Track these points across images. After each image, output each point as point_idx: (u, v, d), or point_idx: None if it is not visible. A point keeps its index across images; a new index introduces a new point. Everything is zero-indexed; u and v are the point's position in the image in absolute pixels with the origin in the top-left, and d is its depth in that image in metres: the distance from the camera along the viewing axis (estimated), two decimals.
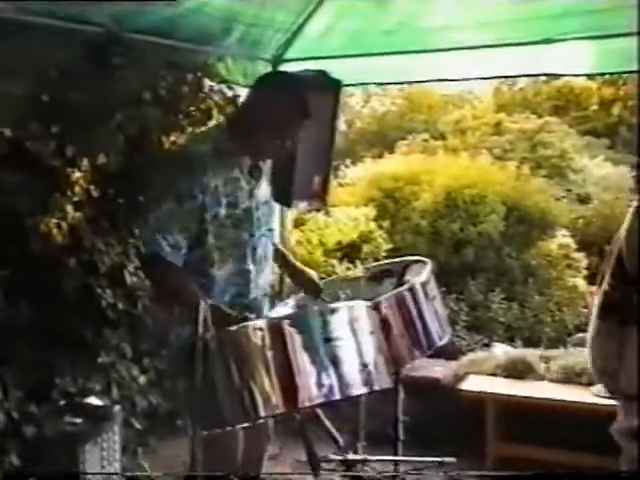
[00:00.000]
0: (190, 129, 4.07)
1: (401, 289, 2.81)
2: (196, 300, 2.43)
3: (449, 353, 4.64)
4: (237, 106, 4.21)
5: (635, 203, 1.74)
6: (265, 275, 2.96)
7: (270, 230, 2.98)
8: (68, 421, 3.41)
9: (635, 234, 1.65)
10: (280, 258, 3.23)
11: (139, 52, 3.67)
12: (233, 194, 2.76)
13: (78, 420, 3.41)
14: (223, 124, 2.90)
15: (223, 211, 2.73)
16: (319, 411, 3.02)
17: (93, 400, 3.64)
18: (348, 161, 8.90)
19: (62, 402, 3.62)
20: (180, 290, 2.69)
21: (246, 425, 2.61)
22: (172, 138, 4.06)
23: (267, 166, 2.95)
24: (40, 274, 3.61)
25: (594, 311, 1.83)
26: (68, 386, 3.72)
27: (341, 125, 11.37)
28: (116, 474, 3.51)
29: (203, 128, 3.88)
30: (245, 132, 2.77)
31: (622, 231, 1.72)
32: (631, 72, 5.14)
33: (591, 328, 1.83)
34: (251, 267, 2.85)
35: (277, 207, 3.08)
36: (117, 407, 3.67)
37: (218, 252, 2.76)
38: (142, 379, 4.14)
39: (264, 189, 2.92)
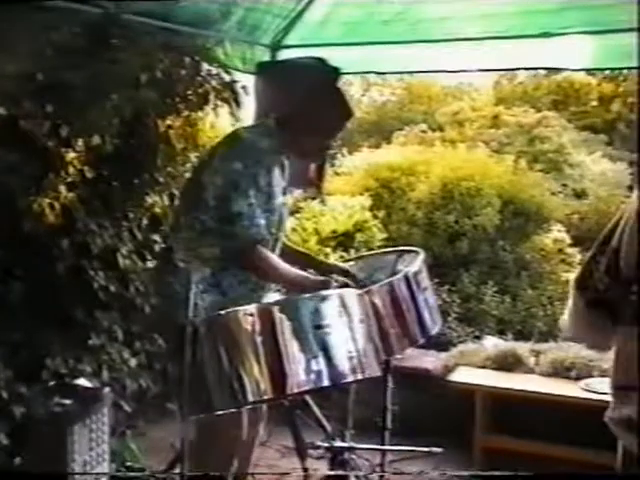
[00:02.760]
0: (186, 113, 4.05)
1: (393, 278, 2.81)
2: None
3: (440, 344, 4.65)
4: (236, 92, 4.19)
5: (634, 200, 1.72)
6: None
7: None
8: (57, 402, 3.41)
9: (635, 235, 1.65)
10: (303, 257, 3.27)
11: (137, 34, 3.66)
12: (275, 187, 2.81)
13: (67, 401, 3.41)
14: (272, 122, 2.92)
15: (275, 201, 2.81)
16: (308, 398, 3.03)
17: (83, 382, 3.64)
18: (345, 150, 8.89)
19: (52, 383, 3.62)
20: (279, 271, 2.79)
21: (245, 410, 2.66)
22: (168, 122, 4.04)
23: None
24: (32, 254, 3.60)
25: (572, 284, 1.85)
26: (58, 367, 3.71)
27: None
28: (105, 474, 3.52)
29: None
30: (293, 133, 2.83)
31: (626, 227, 1.71)
32: (631, 68, 5.14)
33: (571, 304, 1.85)
34: None
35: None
36: (107, 389, 3.67)
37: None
38: (132, 362, 4.14)
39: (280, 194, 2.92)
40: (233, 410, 2.45)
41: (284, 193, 2.90)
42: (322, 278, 2.82)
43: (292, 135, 2.83)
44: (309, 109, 2.81)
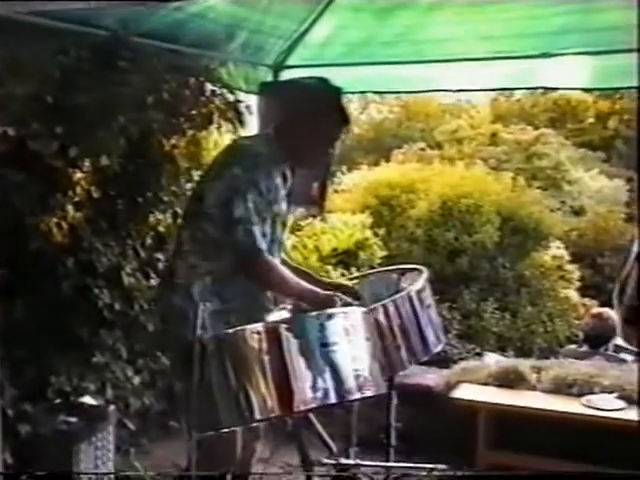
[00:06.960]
0: (191, 132, 4.10)
1: (397, 296, 2.84)
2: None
3: (441, 361, 4.67)
4: (239, 112, 4.23)
5: None
6: None
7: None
8: (63, 420, 3.43)
9: None
10: (304, 276, 3.13)
11: (144, 56, 3.71)
12: (277, 193, 2.83)
13: (73, 419, 3.43)
14: (271, 132, 2.96)
15: (277, 207, 2.82)
16: (311, 415, 3.05)
17: (88, 400, 3.66)
18: (344, 167, 8.94)
19: (57, 401, 3.63)
20: (285, 281, 2.77)
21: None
22: (172, 141, 4.08)
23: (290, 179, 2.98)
24: (38, 273, 3.63)
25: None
26: (63, 385, 3.73)
27: None
28: (108, 474, 3.52)
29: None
30: (291, 141, 2.85)
31: None
32: (628, 88, 5.20)
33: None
34: None
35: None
36: (111, 407, 3.69)
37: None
38: (136, 380, 4.16)
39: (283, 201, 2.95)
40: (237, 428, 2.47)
41: (288, 203, 2.93)
42: (328, 293, 2.79)
43: (291, 143, 2.85)
44: (309, 122, 2.84)
